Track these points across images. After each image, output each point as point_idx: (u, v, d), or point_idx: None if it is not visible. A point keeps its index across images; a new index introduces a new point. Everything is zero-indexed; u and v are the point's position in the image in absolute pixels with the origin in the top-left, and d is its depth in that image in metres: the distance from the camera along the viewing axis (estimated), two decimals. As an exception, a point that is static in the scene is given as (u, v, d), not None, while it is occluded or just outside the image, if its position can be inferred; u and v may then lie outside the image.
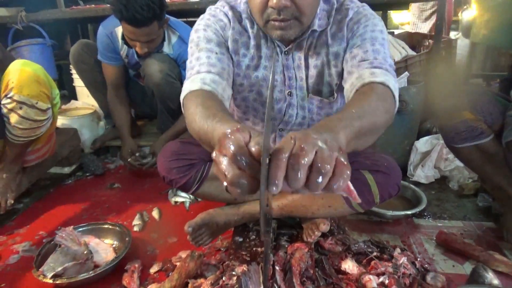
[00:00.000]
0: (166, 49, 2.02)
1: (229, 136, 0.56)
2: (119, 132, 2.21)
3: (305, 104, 1.19)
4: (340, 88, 1.17)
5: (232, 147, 0.54)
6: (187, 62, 1.10)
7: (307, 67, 1.13)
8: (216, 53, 1.07)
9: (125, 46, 2.05)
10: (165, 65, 1.95)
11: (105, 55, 2.09)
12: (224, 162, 0.54)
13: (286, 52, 1.12)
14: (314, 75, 1.14)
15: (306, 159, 0.51)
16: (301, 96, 1.17)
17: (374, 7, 4.14)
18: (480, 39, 3.05)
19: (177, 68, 2.03)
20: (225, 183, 0.54)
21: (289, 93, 1.18)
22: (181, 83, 2.08)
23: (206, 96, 0.93)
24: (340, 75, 1.14)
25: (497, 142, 1.39)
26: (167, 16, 1.99)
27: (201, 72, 1.01)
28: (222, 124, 0.72)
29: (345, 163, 0.53)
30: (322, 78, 1.15)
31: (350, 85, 0.99)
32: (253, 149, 0.54)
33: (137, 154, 2.10)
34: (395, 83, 0.96)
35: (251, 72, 1.17)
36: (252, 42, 1.14)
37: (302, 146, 0.52)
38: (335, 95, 1.17)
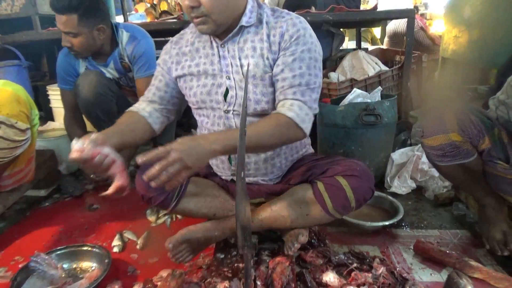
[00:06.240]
0: (120, 52, 2.08)
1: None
2: None
3: (243, 85, 1.30)
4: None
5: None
6: None
7: (245, 57, 1.29)
8: (150, 86, 1.46)
9: (81, 61, 2.10)
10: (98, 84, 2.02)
11: (65, 80, 2.13)
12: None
13: (222, 45, 1.30)
14: (251, 63, 1.28)
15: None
16: (239, 79, 1.30)
17: (348, 24, 4.25)
18: (449, 54, 3.19)
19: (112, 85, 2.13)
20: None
21: (227, 77, 1.31)
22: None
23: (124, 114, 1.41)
24: (273, 66, 1.29)
25: (480, 159, 1.40)
26: (116, 23, 2.08)
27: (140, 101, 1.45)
28: None
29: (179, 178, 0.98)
30: (258, 66, 1.28)
31: (277, 108, 1.25)
32: None
33: None
34: (305, 114, 1.21)
35: (192, 64, 1.35)
36: (189, 47, 1.38)
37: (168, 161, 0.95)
38: (269, 73, 1.29)
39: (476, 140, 1.35)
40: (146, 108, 1.40)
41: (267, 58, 1.27)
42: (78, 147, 0.99)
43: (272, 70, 1.28)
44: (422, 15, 5.25)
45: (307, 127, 1.22)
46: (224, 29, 1.26)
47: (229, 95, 1.31)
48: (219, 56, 1.32)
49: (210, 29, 1.22)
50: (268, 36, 1.28)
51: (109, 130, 1.25)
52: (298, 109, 1.20)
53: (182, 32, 1.45)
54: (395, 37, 4.51)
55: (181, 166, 0.96)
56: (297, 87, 1.23)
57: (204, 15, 1.18)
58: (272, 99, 1.30)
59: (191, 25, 1.43)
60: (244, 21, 1.27)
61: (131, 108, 1.42)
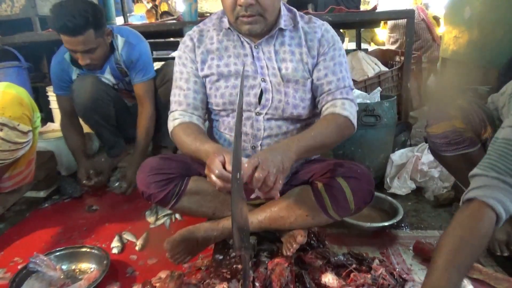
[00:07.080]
0: (117, 57, 2.03)
1: (211, 161, 0.98)
2: (73, 156, 2.21)
3: (281, 89, 1.31)
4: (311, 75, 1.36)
5: (215, 170, 0.96)
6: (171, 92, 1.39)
7: (282, 60, 1.32)
8: (184, 89, 1.35)
9: (75, 68, 2.05)
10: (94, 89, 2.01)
11: (60, 86, 2.09)
12: (213, 178, 0.96)
13: (256, 46, 1.31)
14: (290, 67, 1.32)
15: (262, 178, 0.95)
16: (276, 82, 1.31)
17: (347, 25, 4.25)
18: (449, 54, 3.19)
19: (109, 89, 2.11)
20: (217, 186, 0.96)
21: (262, 79, 1.31)
22: (127, 82, 2.13)
23: (184, 127, 1.30)
24: (312, 70, 1.35)
25: (483, 152, 1.41)
26: (110, 26, 2.02)
27: (173, 110, 1.36)
28: (203, 144, 1.16)
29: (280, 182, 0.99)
30: (297, 71, 1.32)
31: (325, 108, 1.31)
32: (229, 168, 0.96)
33: (91, 172, 2.09)
34: (355, 111, 1.31)
35: (221, 64, 1.33)
36: (216, 45, 1.34)
37: (263, 169, 0.96)
38: (309, 78, 1.34)
39: (479, 128, 1.36)
40: (192, 118, 1.33)
41: (306, 63, 1.32)
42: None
43: (311, 75, 1.33)
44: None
45: (356, 122, 1.31)
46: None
47: (263, 98, 1.31)
48: (253, 57, 1.31)
49: (260, 29, 1.24)
50: (306, 41, 1.33)
51: (213, 145, 1.17)
52: (349, 107, 1.29)
53: (197, 29, 1.39)
54: (395, 28, 4.48)
55: (276, 171, 0.99)
56: (343, 88, 1.31)
57: (259, 14, 1.19)
58: (308, 105, 1.35)
59: (207, 21, 1.41)
60: (282, 24, 1.30)
61: (183, 121, 1.31)
